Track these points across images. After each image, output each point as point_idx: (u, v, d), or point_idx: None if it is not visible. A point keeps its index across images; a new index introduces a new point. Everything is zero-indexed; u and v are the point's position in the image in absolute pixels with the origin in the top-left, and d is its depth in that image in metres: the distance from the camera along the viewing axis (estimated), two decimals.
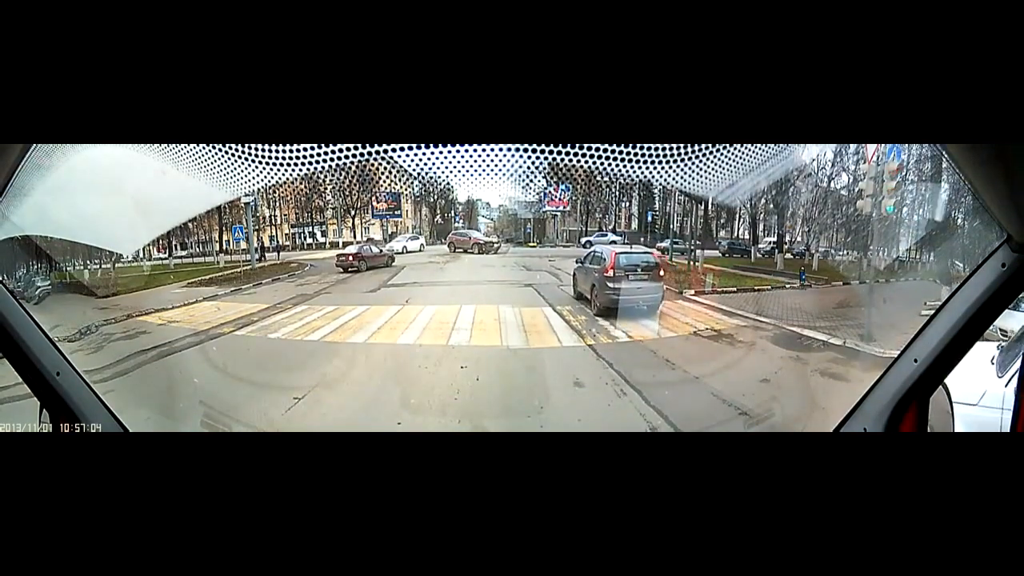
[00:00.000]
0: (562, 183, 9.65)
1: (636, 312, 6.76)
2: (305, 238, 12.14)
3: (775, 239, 9.87)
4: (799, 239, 9.70)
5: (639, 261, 6.53)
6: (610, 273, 6.24)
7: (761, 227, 10.31)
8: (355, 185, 11.14)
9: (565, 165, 1.17)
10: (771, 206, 9.84)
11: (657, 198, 11.08)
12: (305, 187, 11.45)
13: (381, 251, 10.87)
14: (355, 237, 11.81)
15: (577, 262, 7.60)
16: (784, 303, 7.78)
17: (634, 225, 11.51)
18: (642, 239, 10.85)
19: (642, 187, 10.53)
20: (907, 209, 7.57)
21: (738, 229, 10.89)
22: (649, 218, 11.34)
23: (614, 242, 9.23)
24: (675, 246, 10.01)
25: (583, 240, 9.69)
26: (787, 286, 8.60)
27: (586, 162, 1.13)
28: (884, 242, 7.58)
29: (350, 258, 10.53)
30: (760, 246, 10.09)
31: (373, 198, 11.74)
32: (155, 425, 4.11)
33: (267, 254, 11.65)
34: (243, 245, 11.08)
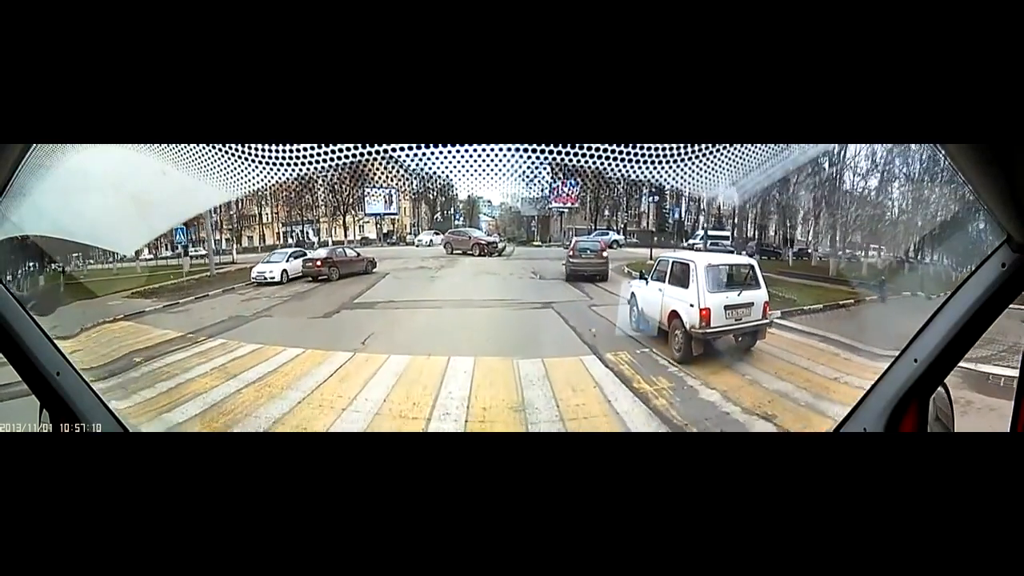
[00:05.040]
0: (569, 178, 9.70)
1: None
2: (297, 237, 11.50)
3: (812, 240, 9.25)
4: (850, 240, 8.70)
5: (589, 246, 9.35)
6: (572, 253, 9.13)
7: (788, 227, 9.76)
8: (350, 183, 10.53)
9: (569, 165, 1.16)
10: (810, 204, 9.17)
11: (669, 196, 10.74)
12: (297, 185, 10.72)
13: (358, 255, 9.21)
14: (346, 236, 10.99)
15: None
16: (899, 325, 3.90)
17: (644, 223, 11.24)
18: (654, 238, 10.65)
19: (651, 187, 10.32)
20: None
21: (752, 230, 10.50)
22: (675, 215, 11.04)
23: (616, 241, 10.85)
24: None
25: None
26: (867, 299, 7.08)
27: (589, 162, 1.12)
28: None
29: (317, 264, 8.67)
30: (794, 249, 9.58)
31: (369, 196, 11.12)
32: None
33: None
34: (224, 247, 10.37)
